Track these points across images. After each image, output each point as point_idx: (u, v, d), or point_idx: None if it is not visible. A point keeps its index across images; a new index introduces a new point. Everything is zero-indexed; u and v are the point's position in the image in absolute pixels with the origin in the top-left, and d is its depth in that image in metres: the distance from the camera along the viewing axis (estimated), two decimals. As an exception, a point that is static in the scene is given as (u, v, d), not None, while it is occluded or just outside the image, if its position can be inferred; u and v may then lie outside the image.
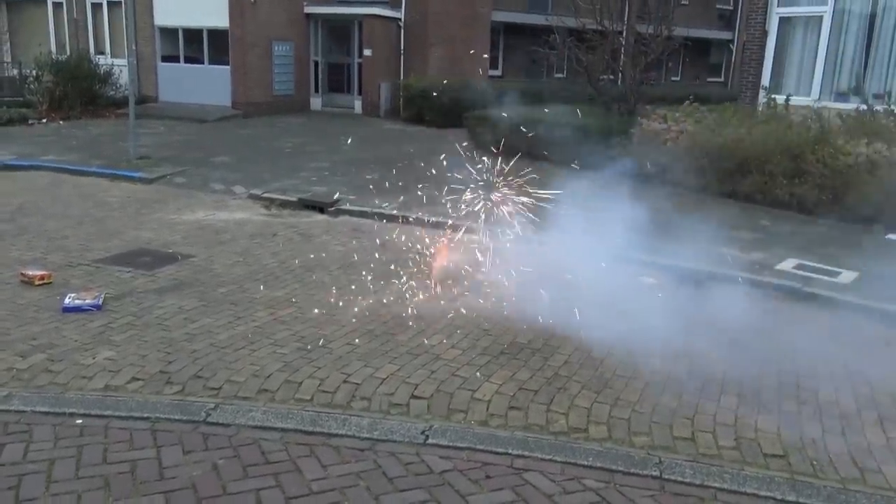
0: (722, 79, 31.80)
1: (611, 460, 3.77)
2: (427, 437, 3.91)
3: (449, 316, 5.71)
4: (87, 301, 5.61)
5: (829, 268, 7.31)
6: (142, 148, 12.44)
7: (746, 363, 5.04)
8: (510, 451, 3.80)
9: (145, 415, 4.02)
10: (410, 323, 5.56)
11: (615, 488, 3.56)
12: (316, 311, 5.74)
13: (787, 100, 11.42)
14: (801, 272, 7.24)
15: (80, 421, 3.94)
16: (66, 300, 5.61)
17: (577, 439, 3.99)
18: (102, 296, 5.75)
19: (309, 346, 5.02)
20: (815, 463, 3.89)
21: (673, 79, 27.84)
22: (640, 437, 4.05)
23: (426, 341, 5.20)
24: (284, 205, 9.62)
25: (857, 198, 9.25)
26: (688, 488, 3.60)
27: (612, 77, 15.41)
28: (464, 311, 5.79)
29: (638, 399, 4.47)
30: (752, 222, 9.13)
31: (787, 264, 7.50)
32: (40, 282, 6.08)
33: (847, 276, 7.14)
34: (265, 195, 9.92)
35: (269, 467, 3.58)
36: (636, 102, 13.18)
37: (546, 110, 13.94)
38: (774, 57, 13.45)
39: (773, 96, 11.78)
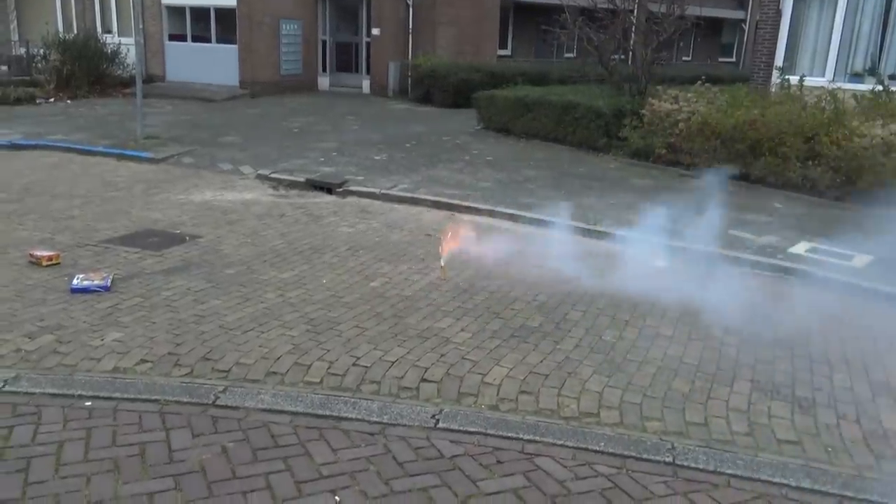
0: (734, 59, 31.47)
1: (623, 446, 3.73)
2: (437, 421, 3.87)
3: (458, 298, 5.67)
4: (95, 282, 5.58)
5: (843, 251, 7.23)
6: (149, 127, 12.39)
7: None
8: (521, 436, 3.77)
9: (154, 397, 3.98)
10: (420, 305, 5.51)
11: (627, 474, 3.52)
12: (325, 292, 5.70)
13: (801, 80, 11.24)
14: (814, 255, 7.17)
15: (88, 403, 3.91)
16: (75, 281, 5.58)
17: (589, 424, 3.95)
18: (111, 277, 5.72)
19: (318, 329, 4.98)
20: (829, 449, 3.84)
21: (684, 59, 27.54)
22: (653, 422, 4.01)
23: (436, 324, 5.16)
24: (292, 185, 9.56)
25: (871, 180, 9.15)
26: (701, 474, 3.56)
27: (622, 57, 15.22)
28: (472, 294, 5.76)
29: (650, 383, 4.43)
30: (764, 205, 9.04)
31: (800, 247, 7.43)
32: (48, 262, 6.06)
33: (861, 259, 7.07)
34: (273, 175, 9.86)
35: (278, 451, 3.55)
36: (647, 83, 13.01)
37: (557, 91, 13.82)
38: (788, 37, 13.25)
39: (786, 77, 11.59)
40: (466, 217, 8.18)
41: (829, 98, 10.37)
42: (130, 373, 4.30)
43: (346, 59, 20.71)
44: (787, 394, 4.40)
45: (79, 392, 4.01)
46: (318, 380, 4.29)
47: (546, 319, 5.34)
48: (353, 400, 4.06)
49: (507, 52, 23.29)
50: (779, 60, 13.18)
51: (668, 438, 3.84)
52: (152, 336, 4.77)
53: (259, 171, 10.07)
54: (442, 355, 4.65)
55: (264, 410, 3.91)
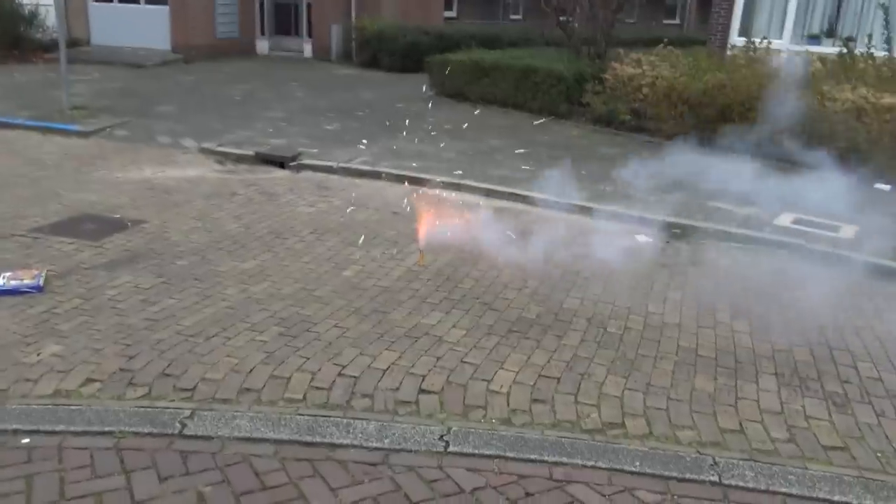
0: (678, 21, 31.29)
1: (661, 464, 3.27)
2: (447, 443, 3.33)
3: (443, 287, 5.13)
4: (25, 281, 4.82)
5: (828, 221, 6.97)
6: (76, 97, 11.29)
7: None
8: (546, 458, 3.27)
9: (107, 428, 3.31)
10: (402, 297, 4.95)
11: (674, 500, 3.07)
12: (294, 285, 5.08)
13: (769, 43, 10.95)
14: (800, 227, 6.89)
15: (26, 440, 3.22)
16: (1, 281, 4.81)
17: (616, 438, 3.48)
18: (43, 274, 4.95)
19: (292, 331, 4.37)
20: (879, 455, 3.48)
21: (628, 21, 27.14)
22: (685, 431, 3.58)
23: (423, 320, 4.61)
24: (240, 159, 8.78)
25: (844, 146, 8.93)
26: (751, 495, 3.14)
27: (570, 19, 14.63)
28: (456, 282, 5.23)
29: (671, 383, 4.00)
30: (738, 173, 8.70)
31: (785, 219, 7.13)
32: (-33, 258, 5.25)
33: (847, 229, 6.83)
34: (219, 149, 9.04)
35: (267, 495, 2.95)
36: (607, 46, 12.55)
37: (514, 54, 13.22)
38: (745, -1, 12.96)
39: (753, 39, 11.27)
40: (434, 192, 7.60)
41: (798, 62, 10.10)
42: (76, 396, 3.61)
43: (285, 22, 19.59)
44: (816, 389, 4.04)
45: (13, 426, 3.31)
46: (300, 396, 3.70)
47: (543, 310, 4.85)
48: (345, 421, 3.48)
49: (453, 13, 22.52)
50: (736, 23, 12.88)
51: (706, 452, 3.40)
52: (99, 348, 4.07)
53: (203, 145, 9.23)
54: (438, 359, 4.11)
55: (242, 440, 3.30)
